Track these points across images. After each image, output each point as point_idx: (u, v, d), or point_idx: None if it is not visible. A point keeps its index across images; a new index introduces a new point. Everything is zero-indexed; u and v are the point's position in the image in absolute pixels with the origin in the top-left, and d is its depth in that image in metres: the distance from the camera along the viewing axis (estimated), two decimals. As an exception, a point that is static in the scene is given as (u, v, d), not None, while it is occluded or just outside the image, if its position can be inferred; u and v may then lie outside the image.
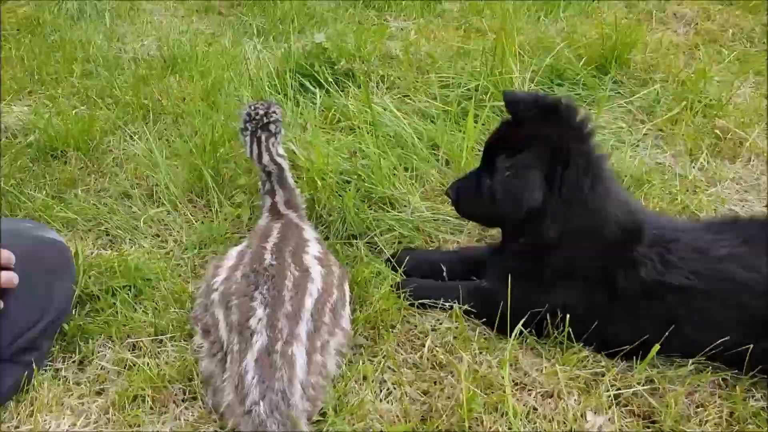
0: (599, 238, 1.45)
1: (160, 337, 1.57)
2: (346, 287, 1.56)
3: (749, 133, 2.26)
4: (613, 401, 1.40)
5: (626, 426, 1.37)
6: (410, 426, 1.36)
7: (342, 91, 2.47)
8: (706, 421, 1.37)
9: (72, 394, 1.46)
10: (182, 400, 1.43)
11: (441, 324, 1.61)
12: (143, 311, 1.64)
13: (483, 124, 2.16)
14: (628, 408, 1.41)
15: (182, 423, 1.38)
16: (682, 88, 2.49)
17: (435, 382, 1.46)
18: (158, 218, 1.98)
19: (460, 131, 2.17)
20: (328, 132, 2.26)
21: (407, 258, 1.71)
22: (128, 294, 1.67)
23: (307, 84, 2.52)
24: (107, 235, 1.94)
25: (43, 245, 1.56)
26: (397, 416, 1.39)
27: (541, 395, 1.43)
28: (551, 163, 1.39)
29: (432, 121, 2.30)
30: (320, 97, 2.43)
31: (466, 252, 1.80)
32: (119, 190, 2.10)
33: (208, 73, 2.68)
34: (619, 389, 1.42)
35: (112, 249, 1.88)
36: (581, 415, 1.37)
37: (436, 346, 1.54)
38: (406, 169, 2.07)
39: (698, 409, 1.40)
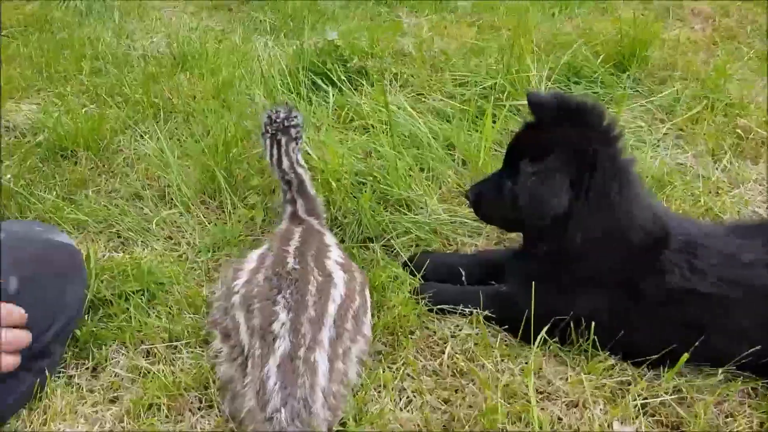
0: (625, 244, 1.41)
1: (174, 343, 1.54)
2: (367, 293, 1.53)
3: (772, 133, 2.21)
4: (640, 411, 1.37)
5: (654, 437, 1.34)
6: (432, 436, 1.33)
7: (355, 89, 2.43)
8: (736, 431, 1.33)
9: (85, 402, 1.43)
10: (198, 408, 1.40)
11: (461, 330, 1.57)
12: (157, 316, 1.61)
13: (501, 126, 2.12)
14: (656, 418, 1.37)
15: (198, 432, 1.35)
16: (701, 86, 2.45)
17: (456, 391, 1.43)
18: (170, 220, 1.95)
19: (477, 131, 2.13)
20: (341, 132, 2.23)
21: (427, 262, 1.67)
22: (141, 299, 1.64)
23: (320, 82, 2.48)
24: (119, 237, 1.91)
25: (54, 249, 1.53)
26: (418, 425, 1.35)
27: (566, 405, 1.39)
28: (578, 168, 1.35)
29: (447, 121, 2.26)
30: (333, 95, 2.39)
31: (485, 255, 1.76)
32: (130, 191, 2.07)
33: (219, 70, 2.65)
34: (646, 399, 1.39)
35: (123, 251, 1.85)
36: (608, 426, 1.34)
37: (456, 353, 1.51)
38: (421, 170, 2.04)
39: (727, 419, 1.37)
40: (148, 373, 1.47)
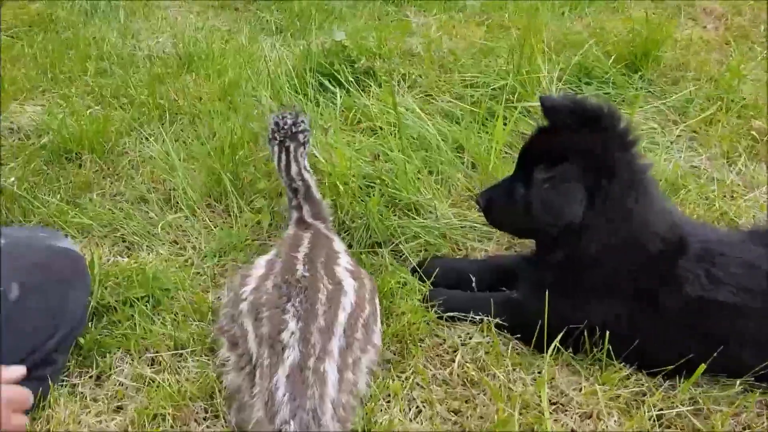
0: (642, 252, 1.38)
1: (180, 351, 1.51)
2: (377, 301, 1.50)
3: (788, 135, 2.17)
4: (656, 422, 1.34)
5: (670, 450, 1.31)
6: (443, 449, 1.30)
7: (363, 90, 2.39)
8: (755, 444, 1.30)
9: (89, 412, 1.40)
10: (204, 419, 1.38)
11: (471, 338, 1.54)
12: (162, 323, 1.58)
13: (512, 128, 2.08)
14: (672, 430, 1.34)
15: (204, 443, 1.33)
16: (715, 86, 2.40)
17: (467, 401, 1.40)
18: (176, 224, 1.92)
19: (487, 133, 2.10)
20: (349, 134, 2.19)
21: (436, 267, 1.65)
22: (146, 305, 1.61)
23: (327, 83, 2.45)
24: (123, 241, 1.88)
25: (56, 255, 1.50)
26: (428, 437, 1.33)
27: (580, 416, 1.36)
28: (594, 175, 1.31)
29: (457, 122, 2.23)
30: (341, 97, 2.35)
31: (496, 261, 1.73)
32: (135, 194, 2.04)
33: (225, 71, 2.62)
34: (661, 410, 1.35)
35: (128, 256, 1.82)
36: (623, 438, 1.30)
37: (466, 362, 1.48)
38: (430, 173, 2.01)
39: (745, 431, 1.33)
40: (153, 382, 1.44)
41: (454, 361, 1.48)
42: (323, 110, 2.29)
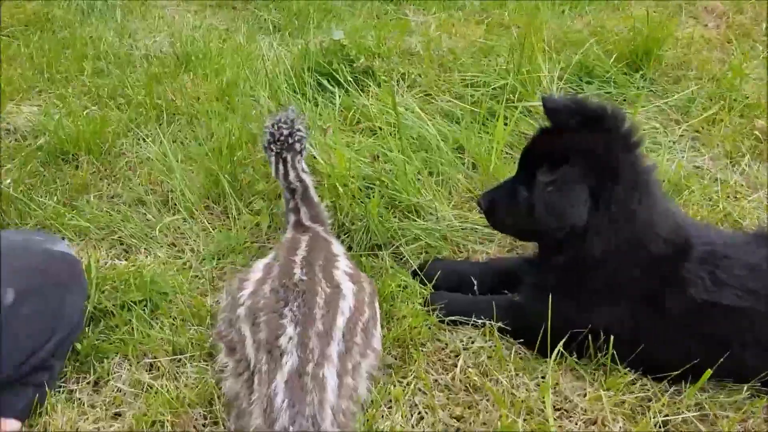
0: (646, 254, 1.36)
1: (178, 356, 1.49)
2: (377, 305, 1.48)
3: (791, 135, 2.15)
4: (662, 428, 1.32)
5: (676, 456, 1.29)
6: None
7: (362, 90, 2.37)
8: (761, 451, 1.28)
9: (87, 418, 1.39)
10: (203, 426, 1.36)
11: (473, 342, 1.52)
12: (160, 328, 1.56)
13: (513, 128, 2.06)
14: (677, 436, 1.32)
15: (203, 451, 1.31)
16: (717, 85, 2.38)
17: (469, 407, 1.39)
18: (174, 226, 1.90)
19: (488, 133, 2.07)
20: (348, 134, 2.17)
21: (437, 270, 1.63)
22: (144, 309, 1.59)
23: (325, 83, 2.42)
24: (121, 244, 1.86)
25: (53, 259, 1.48)
26: (430, 443, 1.31)
27: (584, 422, 1.34)
28: (598, 177, 1.29)
29: (457, 122, 2.21)
30: (339, 96, 2.33)
31: (497, 263, 1.71)
32: (133, 196, 2.02)
33: (223, 71, 2.59)
34: (667, 416, 1.34)
35: (126, 259, 1.80)
36: (628, 444, 1.29)
37: (468, 367, 1.46)
38: (431, 174, 1.98)
39: (751, 437, 1.32)
40: (152, 388, 1.42)
41: (456, 366, 1.46)
42: (322, 110, 2.27)
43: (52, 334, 1.39)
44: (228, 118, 2.22)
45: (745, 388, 1.35)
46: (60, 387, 1.44)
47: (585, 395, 1.38)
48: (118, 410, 1.40)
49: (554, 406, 1.36)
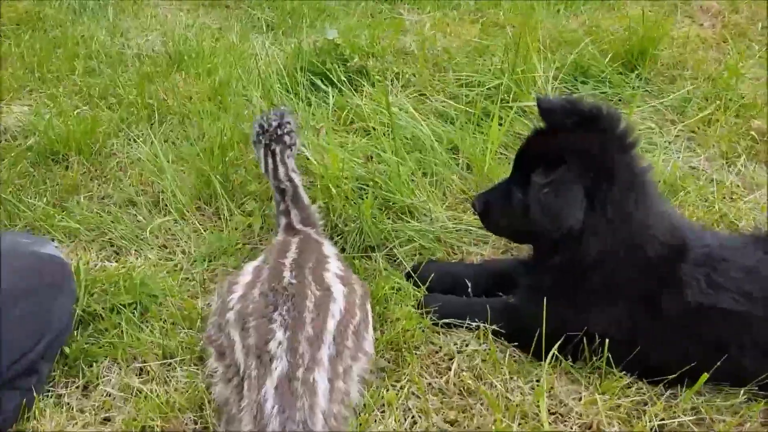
0: (642, 256, 1.35)
1: (168, 360, 1.47)
2: (369, 307, 1.46)
3: (787, 135, 2.14)
4: (657, 433, 1.31)
5: (672, 461, 1.28)
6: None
7: (355, 90, 2.35)
8: (758, 455, 1.27)
9: (76, 423, 1.37)
10: (193, 431, 1.34)
11: (467, 345, 1.51)
12: (150, 331, 1.54)
13: (507, 128, 2.05)
14: (673, 440, 1.31)
15: (193, 457, 1.29)
16: (713, 85, 2.37)
17: (463, 411, 1.37)
18: (165, 228, 1.88)
19: (482, 133, 2.06)
20: (341, 134, 2.15)
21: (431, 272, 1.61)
22: (134, 312, 1.57)
23: (319, 83, 2.40)
24: (111, 245, 1.84)
25: (41, 261, 1.46)
26: (424, 448, 1.29)
27: (579, 426, 1.33)
28: (594, 178, 1.28)
29: (451, 123, 2.19)
30: (333, 96, 2.31)
31: (492, 265, 1.69)
32: (123, 197, 1.99)
33: (216, 70, 2.57)
34: (663, 420, 1.32)
35: (116, 261, 1.78)
36: (623, 449, 1.27)
37: (462, 370, 1.45)
38: (425, 175, 1.97)
39: (748, 442, 1.31)
40: (141, 392, 1.40)
41: (450, 370, 1.45)
42: (315, 110, 2.25)
43: (40, 338, 1.37)
44: (220, 118, 2.20)
45: (742, 391, 1.34)
46: (48, 391, 1.42)
47: (580, 399, 1.37)
48: (107, 415, 1.38)
49: (549, 410, 1.35)
